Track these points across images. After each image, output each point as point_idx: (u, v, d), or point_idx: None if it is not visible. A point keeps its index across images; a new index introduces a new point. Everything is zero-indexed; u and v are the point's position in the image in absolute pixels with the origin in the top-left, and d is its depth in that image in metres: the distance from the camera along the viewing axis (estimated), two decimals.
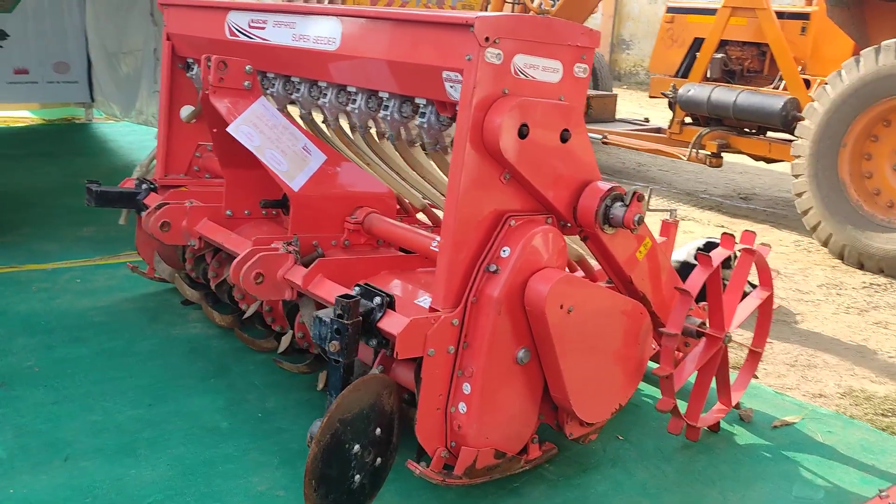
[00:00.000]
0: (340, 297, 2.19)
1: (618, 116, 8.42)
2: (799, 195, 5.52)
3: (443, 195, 2.98)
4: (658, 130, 7.60)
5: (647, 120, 8.37)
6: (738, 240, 2.85)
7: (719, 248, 2.76)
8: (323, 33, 2.74)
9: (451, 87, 2.34)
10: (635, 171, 8.32)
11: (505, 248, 2.33)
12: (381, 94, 2.68)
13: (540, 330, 2.35)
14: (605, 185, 2.45)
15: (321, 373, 2.98)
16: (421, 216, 3.55)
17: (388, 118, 2.66)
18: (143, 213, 3.37)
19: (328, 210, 2.99)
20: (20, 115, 9.59)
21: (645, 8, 17.89)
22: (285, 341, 3.03)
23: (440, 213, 3.40)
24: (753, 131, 6.62)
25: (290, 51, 2.92)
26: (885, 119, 5.18)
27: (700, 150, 6.56)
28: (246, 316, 3.27)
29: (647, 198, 2.55)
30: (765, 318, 3.07)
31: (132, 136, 8.57)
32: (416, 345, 2.22)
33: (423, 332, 2.22)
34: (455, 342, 2.31)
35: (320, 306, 2.82)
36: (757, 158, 6.73)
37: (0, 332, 3.48)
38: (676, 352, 2.96)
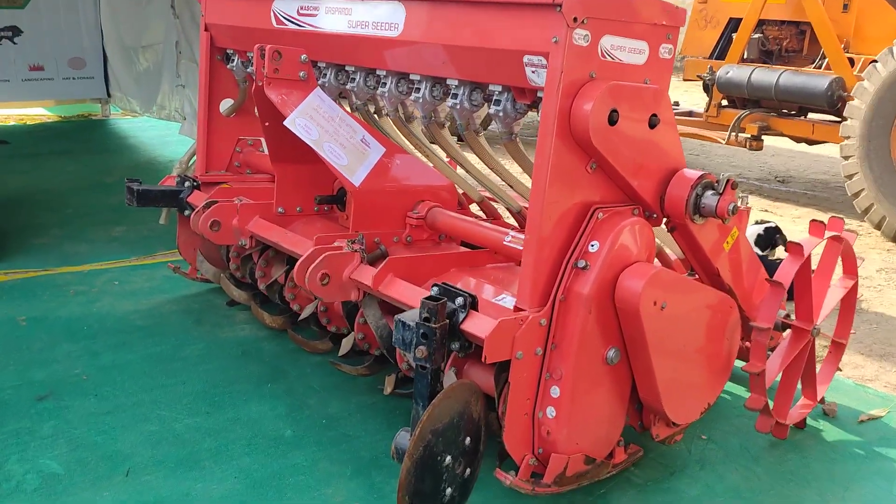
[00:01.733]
0: (426, 298, 2.05)
1: None
2: (849, 177, 5.35)
3: (510, 186, 2.84)
4: (689, 114, 7.41)
5: (676, 104, 8.18)
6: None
7: (809, 237, 2.61)
8: (384, 18, 2.59)
9: (534, 71, 2.19)
10: None
11: (593, 242, 2.19)
12: (448, 82, 2.53)
13: (632, 328, 2.21)
14: (693, 173, 2.30)
15: (387, 377, 2.84)
16: (474, 208, 3.42)
17: (458, 107, 2.51)
18: (192, 213, 3.23)
19: (389, 205, 2.86)
20: (35, 113, 9.48)
21: None
22: (347, 344, 2.89)
23: (497, 206, 3.27)
24: (793, 112, 6.43)
25: (346, 38, 2.77)
26: None
27: (740, 133, 6.38)
28: (302, 317, 3.14)
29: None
30: (848, 307, 2.92)
31: (152, 132, 8.45)
32: (505, 347, 2.09)
33: (511, 334, 2.09)
34: (543, 343, 2.17)
35: (385, 306, 2.69)
36: (798, 140, 6.55)
37: (43, 339, 3.37)
38: None
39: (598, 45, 2.10)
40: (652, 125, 2.23)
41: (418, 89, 2.63)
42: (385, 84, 2.77)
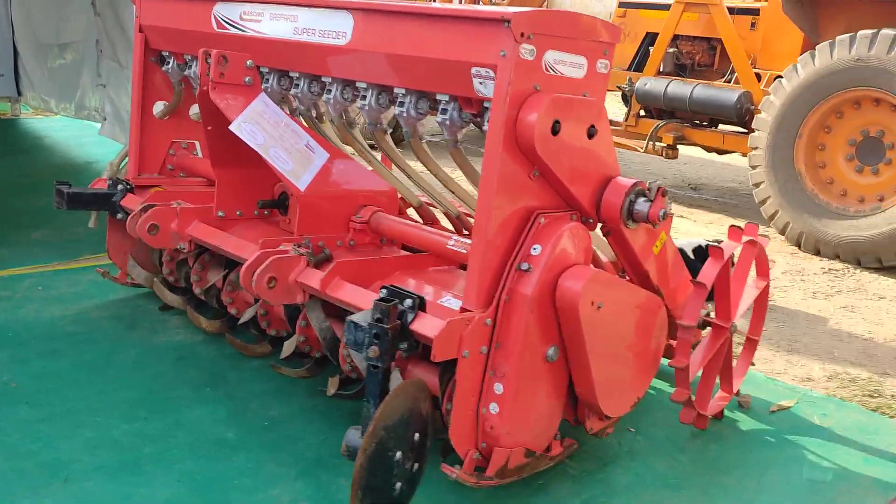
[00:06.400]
0: (378, 300, 2.12)
1: None
2: (756, 185, 5.71)
3: (451, 192, 2.93)
4: (610, 123, 7.70)
5: None
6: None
7: (729, 241, 2.81)
8: (331, 27, 2.64)
9: (481, 83, 2.29)
10: None
11: (536, 245, 2.30)
12: (396, 91, 2.61)
13: (571, 327, 2.34)
14: (627, 181, 2.46)
15: (330, 378, 2.88)
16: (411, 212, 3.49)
17: (404, 115, 2.59)
18: (129, 216, 3.18)
19: (333, 209, 2.91)
20: None
21: (576, 0, 18.11)
22: (289, 346, 2.92)
23: (434, 211, 3.36)
24: (705, 124, 6.81)
25: (292, 45, 2.81)
26: (838, 111, 5.42)
27: (657, 142, 6.70)
28: (242, 321, 3.14)
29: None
30: (761, 306, 3.16)
31: (66, 132, 8.15)
32: (452, 346, 2.18)
33: (458, 334, 2.18)
34: (487, 342, 2.27)
35: (327, 309, 2.74)
36: (709, 150, 6.92)
37: None
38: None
39: (542, 59, 2.23)
40: (590, 135, 2.38)
41: (364, 97, 2.70)
42: (330, 91, 2.82)
